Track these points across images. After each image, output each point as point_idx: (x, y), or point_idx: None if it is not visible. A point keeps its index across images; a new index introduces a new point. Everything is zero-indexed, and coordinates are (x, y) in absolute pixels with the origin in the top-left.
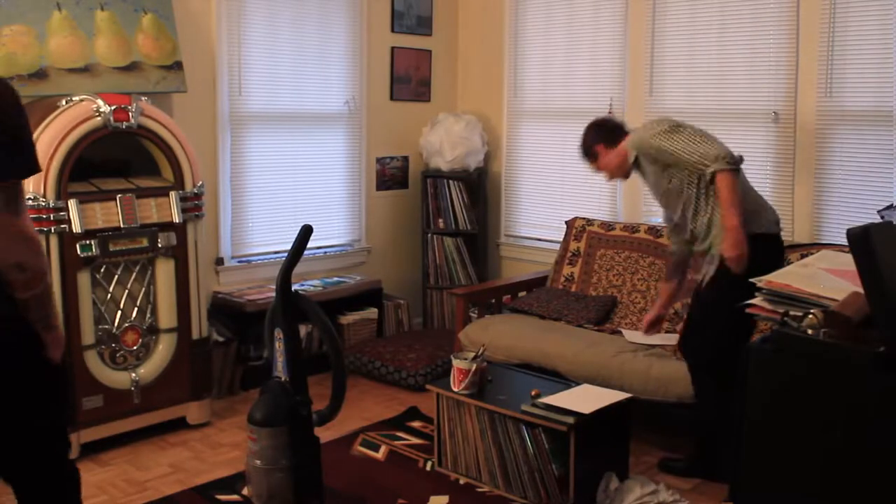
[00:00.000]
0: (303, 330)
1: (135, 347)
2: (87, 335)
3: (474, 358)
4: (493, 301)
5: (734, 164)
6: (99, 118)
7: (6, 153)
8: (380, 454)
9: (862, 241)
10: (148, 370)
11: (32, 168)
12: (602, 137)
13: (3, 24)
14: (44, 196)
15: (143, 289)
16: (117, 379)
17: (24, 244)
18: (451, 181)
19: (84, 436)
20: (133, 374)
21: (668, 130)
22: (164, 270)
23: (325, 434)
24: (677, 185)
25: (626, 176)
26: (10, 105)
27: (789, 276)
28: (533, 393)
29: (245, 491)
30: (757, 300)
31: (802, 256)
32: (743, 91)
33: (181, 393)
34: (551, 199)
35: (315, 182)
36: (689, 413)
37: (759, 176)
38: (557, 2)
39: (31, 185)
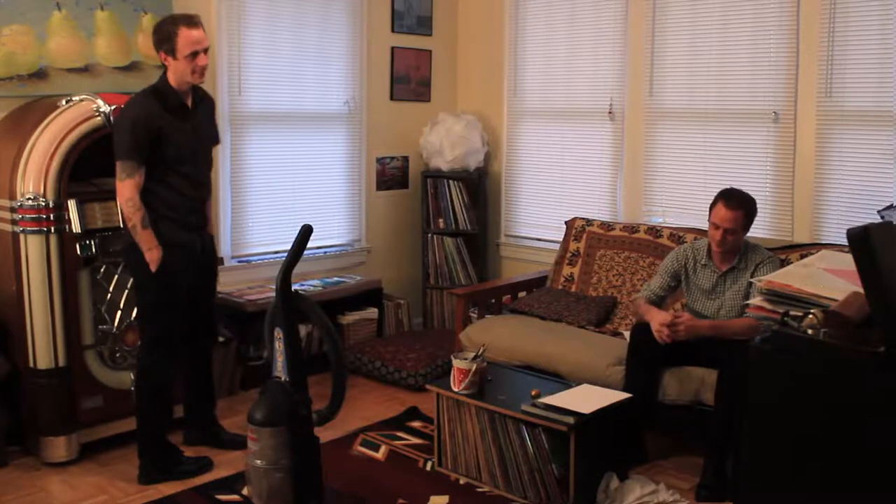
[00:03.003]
0: (303, 330)
1: (135, 347)
2: (87, 335)
3: (474, 358)
4: (493, 301)
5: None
6: (99, 118)
7: (115, 145)
8: (380, 454)
9: (862, 241)
10: None
11: (126, 155)
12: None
13: (3, 24)
14: (43, 196)
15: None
16: (117, 379)
17: (120, 198)
18: (451, 181)
19: (84, 436)
20: (133, 375)
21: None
22: None
23: (325, 434)
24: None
25: (726, 252)
26: (121, 116)
27: (789, 276)
28: (533, 393)
29: (245, 491)
30: (757, 300)
31: (802, 256)
32: (743, 91)
33: (181, 393)
34: (551, 199)
35: (315, 182)
36: (688, 415)
37: (759, 176)
38: (558, 2)
39: (31, 185)
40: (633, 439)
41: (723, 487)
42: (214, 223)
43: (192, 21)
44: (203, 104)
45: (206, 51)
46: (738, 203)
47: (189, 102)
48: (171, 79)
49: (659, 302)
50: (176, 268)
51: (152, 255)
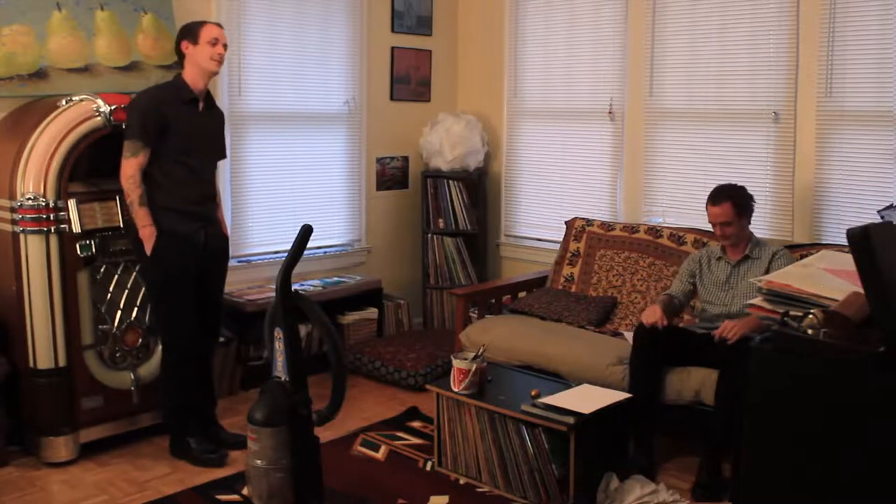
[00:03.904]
0: (303, 330)
1: (135, 347)
2: (87, 335)
3: (474, 358)
4: (493, 301)
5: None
6: (99, 118)
7: (125, 126)
8: (380, 454)
9: (862, 241)
10: (148, 370)
11: (132, 134)
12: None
13: (3, 24)
14: (43, 196)
15: (143, 289)
16: (117, 379)
17: (123, 175)
18: (451, 181)
19: (84, 436)
20: (133, 375)
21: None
22: None
23: (325, 434)
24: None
25: (734, 243)
26: (134, 100)
27: (789, 276)
28: (533, 393)
29: (245, 491)
30: (757, 300)
31: (802, 256)
32: (743, 91)
33: None
34: (551, 199)
35: (315, 182)
36: (688, 415)
37: (760, 176)
38: (557, 2)
39: (31, 185)
40: (640, 444)
41: (719, 487)
42: None
43: (216, 23)
44: (214, 112)
45: (224, 46)
46: (722, 196)
47: (201, 105)
48: (187, 74)
49: (685, 300)
50: (173, 255)
51: (145, 233)
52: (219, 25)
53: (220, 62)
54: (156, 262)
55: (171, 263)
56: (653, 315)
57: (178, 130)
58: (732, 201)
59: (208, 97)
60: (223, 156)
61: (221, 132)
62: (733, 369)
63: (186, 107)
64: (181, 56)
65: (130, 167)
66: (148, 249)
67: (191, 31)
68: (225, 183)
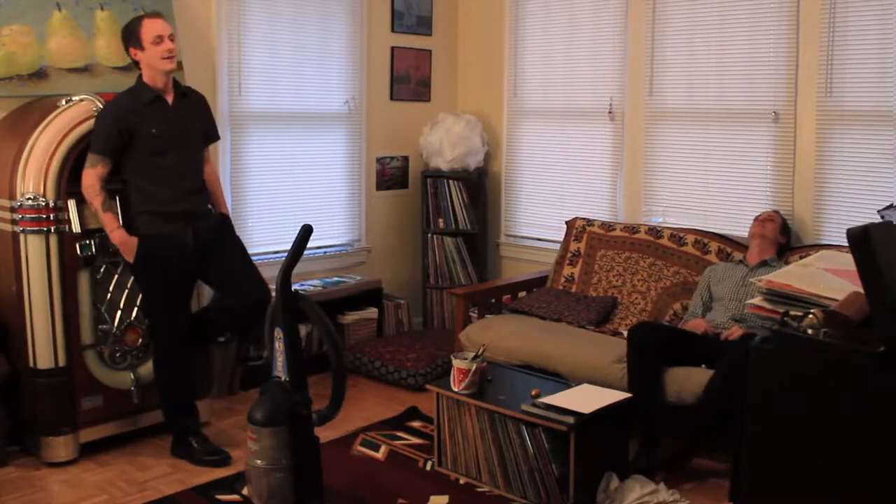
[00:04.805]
0: (303, 330)
1: (135, 347)
2: (87, 335)
3: (474, 358)
4: (494, 301)
5: None
6: None
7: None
8: (380, 454)
9: (862, 241)
10: (148, 370)
11: (94, 148)
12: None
13: (3, 24)
14: (43, 196)
15: None
16: (117, 379)
17: (83, 185)
18: (451, 181)
19: (84, 436)
20: (133, 374)
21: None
22: None
23: (325, 434)
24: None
25: (766, 242)
26: (98, 113)
27: (789, 276)
28: (533, 393)
29: (245, 491)
30: (757, 300)
31: (802, 257)
32: (743, 91)
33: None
34: (551, 199)
35: (315, 182)
36: (688, 415)
37: (760, 176)
38: (557, 2)
39: (31, 185)
40: (643, 446)
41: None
42: None
43: (152, 14)
44: (188, 99)
45: (171, 38)
46: (773, 212)
47: (170, 98)
48: (145, 76)
49: (705, 311)
50: (156, 260)
51: (115, 237)
52: (158, 16)
53: (173, 58)
54: (139, 267)
55: (155, 268)
56: (698, 326)
57: (148, 133)
58: (779, 214)
59: (177, 87)
60: (212, 139)
61: (202, 117)
62: (733, 368)
63: (152, 107)
64: (135, 62)
65: (88, 178)
66: (126, 254)
67: (132, 36)
68: (225, 183)
